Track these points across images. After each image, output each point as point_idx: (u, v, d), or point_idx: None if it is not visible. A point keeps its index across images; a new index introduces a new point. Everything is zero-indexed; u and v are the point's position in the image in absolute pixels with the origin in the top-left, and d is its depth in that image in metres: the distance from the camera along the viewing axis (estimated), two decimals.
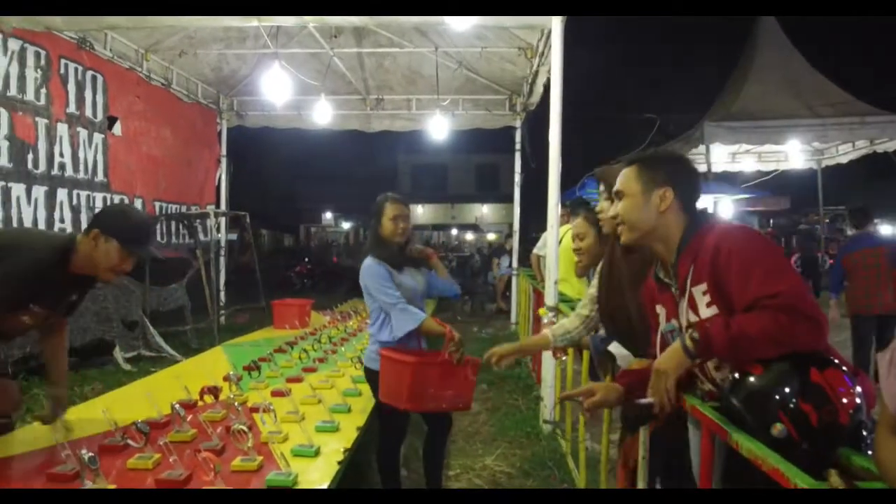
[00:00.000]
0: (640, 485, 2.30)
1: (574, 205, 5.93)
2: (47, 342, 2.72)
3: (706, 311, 1.76)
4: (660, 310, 2.00)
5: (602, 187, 2.49)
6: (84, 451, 1.86)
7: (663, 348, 1.97)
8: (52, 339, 2.71)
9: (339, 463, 2.22)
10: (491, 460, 4.09)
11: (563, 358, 3.34)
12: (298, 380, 3.44)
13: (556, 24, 4.65)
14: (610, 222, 2.41)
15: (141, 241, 2.50)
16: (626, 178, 1.95)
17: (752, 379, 1.53)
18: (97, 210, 6.65)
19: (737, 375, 1.58)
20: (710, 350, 1.66)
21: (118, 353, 6.52)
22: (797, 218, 16.51)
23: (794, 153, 11.67)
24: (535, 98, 8.07)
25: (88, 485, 1.69)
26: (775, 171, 12.75)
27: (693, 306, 1.80)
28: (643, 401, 1.80)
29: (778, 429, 1.42)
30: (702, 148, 9.12)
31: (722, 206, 10.75)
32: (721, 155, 11.72)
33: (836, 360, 1.53)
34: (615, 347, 2.33)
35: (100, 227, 2.40)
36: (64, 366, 2.75)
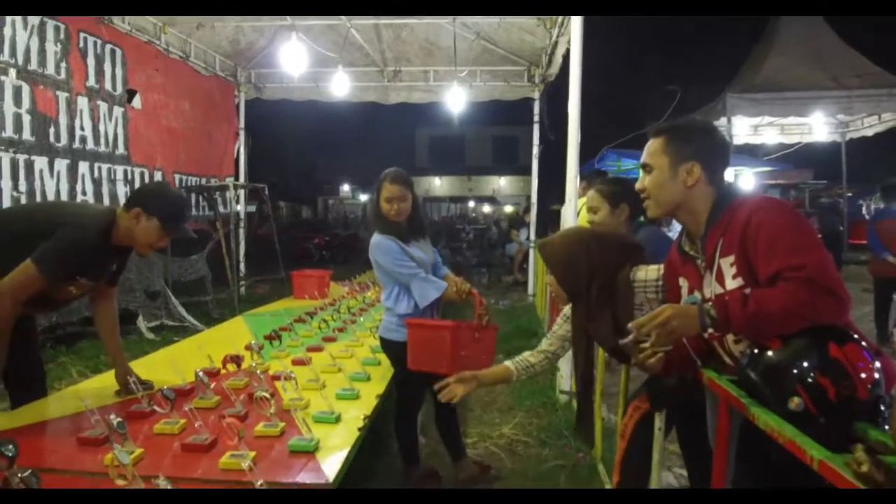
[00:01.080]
0: (656, 456, 2.33)
1: (590, 177, 5.92)
2: (99, 311, 2.84)
3: (732, 283, 1.75)
4: (682, 282, 1.99)
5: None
6: (113, 417, 1.91)
7: None
8: (103, 307, 2.84)
9: (360, 429, 2.27)
10: (508, 429, 4.14)
11: None
12: (318, 349, 3.49)
13: None
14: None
15: (180, 220, 2.63)
16: (652, 150, 1.92)
17: (770, 353, 1.53)
18: (118, 182, 6.74)
19: (755, 349, 1.58)
20: (728, 326, 1.65)
21: (141, 323, 6.65)
22: (819, 192, 16.28)
23: (818, 126, 11.48)
24: (555, 69, 7.97)
25: (117, 448, 1.74)
26: (798, 143, 12.55)
27: (720, 278, 1.79)
28: (623, 341, 1.78)
29: (795, 402, 1.43)
30: (723, 120, 8.98)
31: (743, 179, 10.62)
32: (743, 127, 11.55)
33: (856, 336, 1.53)
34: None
35: (141, 205, 2.50)
36: (117, 332, 2.88)
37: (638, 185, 1.99)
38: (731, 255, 1.75)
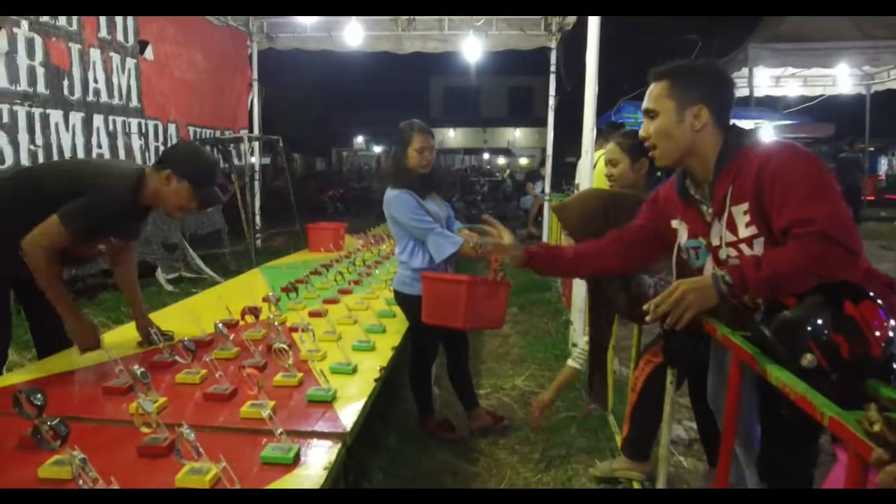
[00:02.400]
0: (667, 409, 2.36)
1: (607, 129, 5.84)
2: (119, 264, 2.89)
3: (745, 231, 1.73)
4: (677, 224, 1.96)
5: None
6: (136, 367, 1.96)
7: (680, 263, 1.96)
8: (122, 259, 2.88)
9: (376, 380, 2.31)
10: (520, 381, 4.20)
11: None
12: (334, 301, 3.54)
13: None
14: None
15: (211, 183, 2.62)
16: (655, 95, 1.85)
17: (784, 310, 1.53)
18: (133, 135, 6.75)
19: (769, 306, 1.59)
20: (745, 291, 1.64)
21: (160, 275, 6.75)
22: (839, 146, 16.00)
23: (842, 77, 11.19)
24: (572, 18, 7.78)
25: (142, 397, 1.79)
26: (821, 96, 12.26)
27: (732, 226, 1.76)
28: (651, 307, 1.76)
29: (808, 359, 1.44)
30: (744, 71, 8.78)
31: (762, 133, 10.42)
32: (764, 78, 11.28)
33: (872, 294, 1.52)
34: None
35: (173, 167, 2.50)
36: (136, 283, 2.93)
37: (642, 133, 1.92)
38: (744, 203, 1.71)
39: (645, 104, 1.89)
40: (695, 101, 1.79)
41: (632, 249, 2.14)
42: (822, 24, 8.58)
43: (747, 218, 1.72)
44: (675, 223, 1.97)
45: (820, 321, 1.46)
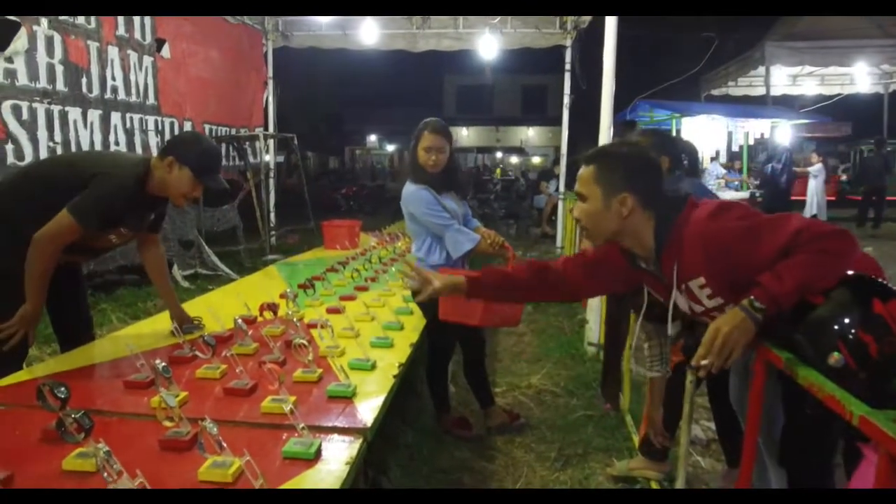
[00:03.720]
0: (686, 408, 2.35)
1: (622, 127, 5.82)
2: (148, 257, 2.93)
3: (710, 303, 1.78)
4: (647, 287, 2.04)
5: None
6: (158, 361, 1.97)
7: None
8: (150, 253, 2.92)
9: (395, 376, 2.31)
10: (536, 379, 4.19)
11: None
12: (351, 298, 3.53)
13: None
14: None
15: (212, 169, 2.64)
16: (585, 179, 1.89)
17: (811, 308, 1.52)
18: (150, 133, 6.79)
19: (796, 305, 1.57)
20: (779, 307, 1.60)
21: (176, 272, 6.80)
22: (864, 145, 15.81)
23: (860, 76, 11.08)
24: (587, 16, 7.75)
25: (164, 391, 1.80)
26: (838, 95, 12.15)
27: (694, 299, 1.81)
28: (699, 363, 1.70)
29: (835, 358, 1.42)
30: (761, 70, 8.72)
31: (779, 132, 10.33)
32: (781, 77, 11.19)
33: None
34: None
35: (174, 154, 2.51)
36: (167, 276, 2.99)
37: (575, 214, 1.95)
38: (698, 278, 1.74)
39: (576, 187, 1.93)
40: (620, 189, 1.82)
41: (590, 283, 2.20)
42: (841, 22, 8.50)
43: (708, 290, 1.75)
44: (645, 285, 2.04)
45: (847, 320, 1.45)
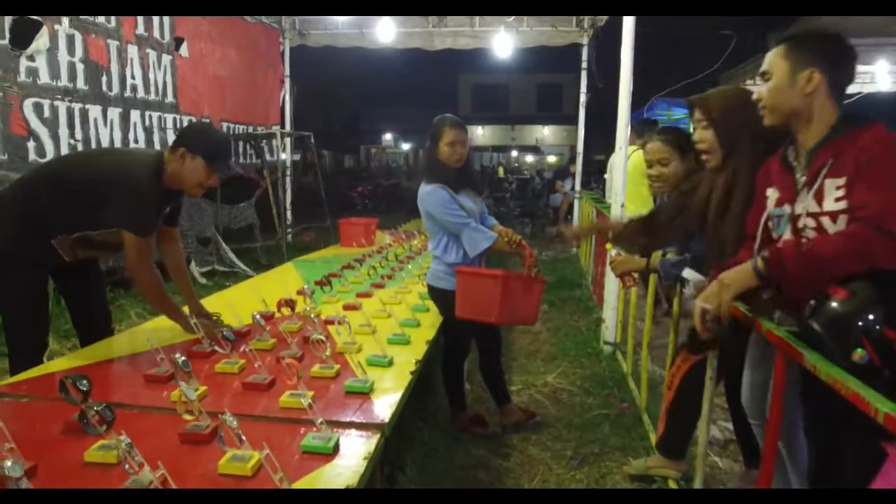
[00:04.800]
0: (705, 406, 2.33)
1: (640, 126, 5.76)
2: (167, 252, 2.97)
3: (833, 205, 1.69)
4: (770, 192, 1.93)
5: (699, 114, 2.34)
6: (178, 356, 1.99)
7: (766, 232, 1.93)
8: (170, 248, 2.96)
9: (412, 373, 2.32)
10: (552, 378, 4.18)
11: (632, 286, 3.35)
12: (368, 295, 3.55)
13: None
14: (714, 154, 2.31)
15: (223, 156, 2.69)
16: (772, 57, 1.85)
17: (834, 303, 1.50)
18: (168, 130, 6.85)
19: (819, 299, 1.55)
20: (782, 269, 1.62)
21: (194, 268, 6.85)
22: None
23: (881, 74, 10.92)
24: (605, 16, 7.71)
25: (183, 385, 1.81)
26: (859, 93, 11.98)
27: (819, 197, 1.73)
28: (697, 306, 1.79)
29: (859, 354, 1.40)
30: None
31: None
32: None
33: None
34: (689, 273, 2.30)
35: (185, 145, 2.54)
36: (186, 271, 3.04)
37: (755, 95, 1.91)
38: (841, 178, 1.68)
39: (762, 67, 1.88)
40: (807, 65, 1.77)
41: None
42: (861, 20, 8.36)
43: (840, 193, 1.68)
44: (769, 191, 1.94)
45: (872, 316, 1.42)
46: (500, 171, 21.89)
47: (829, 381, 1.38)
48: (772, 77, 1.84)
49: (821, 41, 1.80)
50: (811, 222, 1.75)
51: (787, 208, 1.83)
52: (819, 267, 1.56)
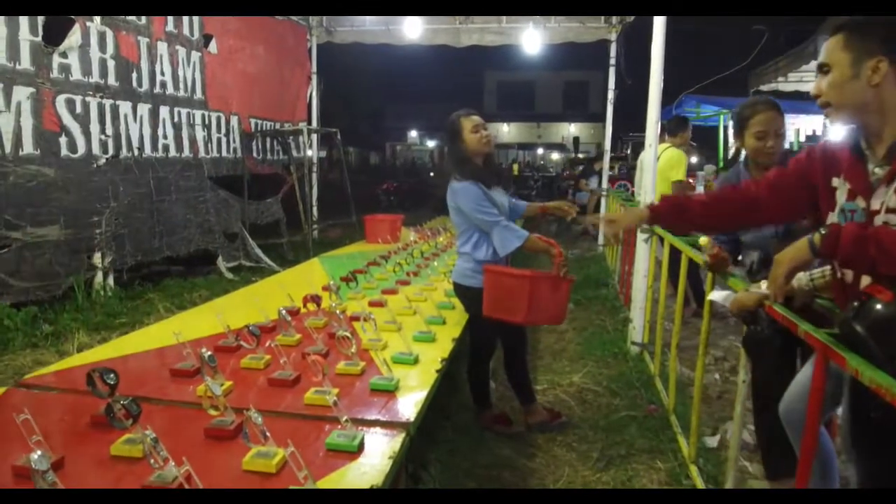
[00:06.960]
0: (737, 409, 2.27)
1: (673, 124, 5.70)
2: None
3: None
4: (838, 183, 1.80)
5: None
6: (203, 350, 1.99)
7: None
8: None
9: (437, 371, 2.30)
10: (578, 378, 4.13)
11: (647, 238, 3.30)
12: (393, 292, 3.54)
13: None
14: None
15: None
16: (831, 48, 1.71)
17: (879, 305, 1.43)
18: (197, 126, 6.91)
19: (863, 301, 1.49)
20: (837, 246, 1.53)
21: (221, 263, 6.91)
22: None
23: None
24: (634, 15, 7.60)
25: (209, 380, 1.81)
26: None
27: None
28: (759, 290, 1.75)
29: None
30: (813, 65, 8.39)
31: (832, 129, 9.96)
32: None
33: None
34: (716, 294, 2.26)
35: None
36: None
37: (813, 91, 1.78)
38: None
39: (819, 58, 1.76)
40: (873, 54, 1.63)
41: (773, 200, 2.01)
42: None
43: None
44: (836, 182, 1.81)
45: None
46: (515, 168, 21.71)
47: (873, 387, 1.33)
48: (831, 69, 1.70)
49: (885, 27, 1.66)
50: (892, 218, 1.61)
51: (860, 202, 1.71)
52: (875, 254, 1.47)
